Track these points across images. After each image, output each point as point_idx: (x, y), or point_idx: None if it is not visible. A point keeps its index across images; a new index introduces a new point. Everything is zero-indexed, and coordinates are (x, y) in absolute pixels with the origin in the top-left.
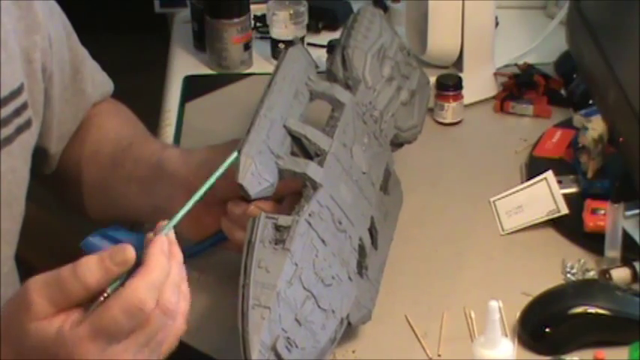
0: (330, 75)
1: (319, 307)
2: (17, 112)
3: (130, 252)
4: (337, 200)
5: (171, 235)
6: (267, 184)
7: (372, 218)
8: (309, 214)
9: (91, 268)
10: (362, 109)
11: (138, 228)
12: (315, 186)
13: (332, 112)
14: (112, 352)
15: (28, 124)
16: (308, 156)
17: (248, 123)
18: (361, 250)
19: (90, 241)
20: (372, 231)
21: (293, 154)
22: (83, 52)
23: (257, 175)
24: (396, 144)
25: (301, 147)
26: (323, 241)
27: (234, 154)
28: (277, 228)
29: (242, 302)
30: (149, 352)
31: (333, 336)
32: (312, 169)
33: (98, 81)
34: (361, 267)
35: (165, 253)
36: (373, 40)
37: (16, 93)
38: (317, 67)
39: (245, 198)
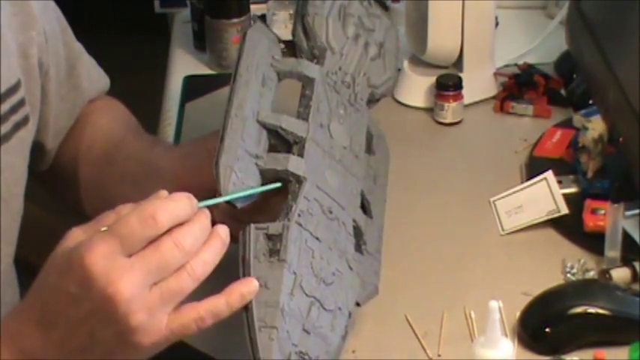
0: (295, 46)
1: (325, 309)
2: (14, 108)
3: (162, 192)
4: (324, 189)
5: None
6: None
7: (361, 192)
8: (299, 214)
9: (127, 205)
10: (332, 78)
11: None
12: (299, 180)
13: (302, 89)
14: (121, 263)
15: (25, 121)
16: (287, 144)
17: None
18: (357, 231)
19: None
20: (365, 203)
21: (272, 146)
22: (79, 48)
23: (239, 183)
24: (373, 101)
25: (279, 136)
26: (317, 238)
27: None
28: (269, 237)
29: (248, 326)
30: (159, 293)
31: (344, 332)
32: (293, 163)
33: (94, 77)
34: (359, 245)
35: (191, 199)
36: (331, 0)
37: (13, 89)
38: (280, 40)
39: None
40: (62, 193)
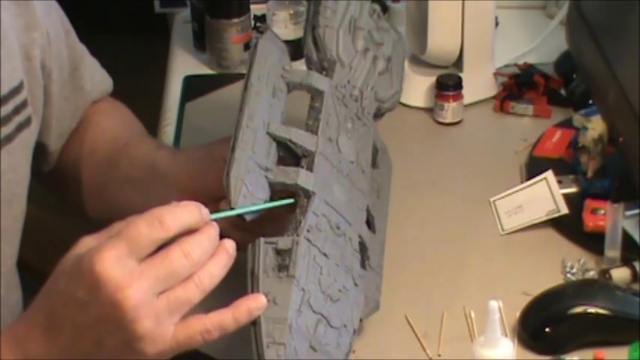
0: (305, 57)
1: (331, 326)
2: (17, 110)
3: (174, 203)
4: (332, 204)
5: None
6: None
7: (367, 208)
8: (307, 230)
9: (138, 216)
10: (341, 91)
11: None
12: (308, 194)
13: (312, 101)
14: (132, 269)
15: (28, 122)
16: (295, 157)
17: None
18: (362, 246)
19: None
20: (369, 219)
21: (280, 158)
22: (82, 50)
23: (249, 196)
24: (379, 115)
25: (287, 149)
26: (325, 254)
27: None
28: (278, 252)
29: (256, 342)
30: (166, 302)
31: (348, 349)
32: (302, 177)
33: (97, 79)
34: (364, 261)
35: (200, 207)
36: (342, 13)
37: (16, 91)
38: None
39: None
40: (64, 195)
